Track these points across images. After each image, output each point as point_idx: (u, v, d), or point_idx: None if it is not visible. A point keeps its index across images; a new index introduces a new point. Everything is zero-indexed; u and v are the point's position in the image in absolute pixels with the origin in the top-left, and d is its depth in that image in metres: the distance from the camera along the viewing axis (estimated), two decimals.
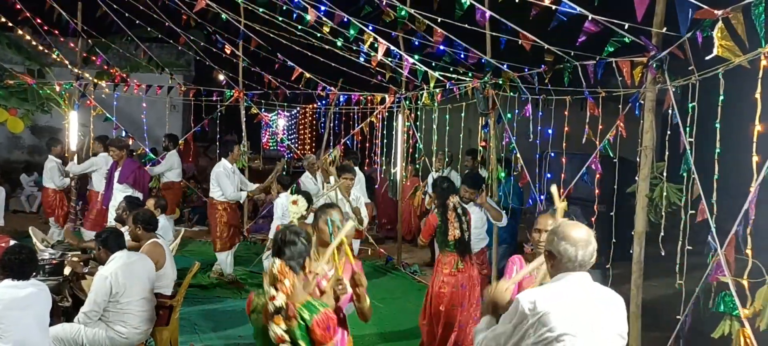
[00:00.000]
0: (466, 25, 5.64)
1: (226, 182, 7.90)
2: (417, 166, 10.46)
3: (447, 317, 5.15)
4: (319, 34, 7.87)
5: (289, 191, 7.93)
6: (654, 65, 4.32)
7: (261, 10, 7.74)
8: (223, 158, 8.10)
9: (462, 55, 6.44)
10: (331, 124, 12.04)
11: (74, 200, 9.79)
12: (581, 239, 2.55)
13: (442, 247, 5.24)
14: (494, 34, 5.91)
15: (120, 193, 7.83)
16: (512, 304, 2.55)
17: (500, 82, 6.57)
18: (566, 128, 5.90)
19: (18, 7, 9.78)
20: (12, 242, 5.68)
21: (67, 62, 10.82)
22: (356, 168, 8.87)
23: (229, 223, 8.00)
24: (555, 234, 2.58)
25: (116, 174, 8.21)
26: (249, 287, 7.72)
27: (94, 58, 11.61)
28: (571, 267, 2.53)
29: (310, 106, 14.24)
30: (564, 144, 5.99)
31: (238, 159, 8.49)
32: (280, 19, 7.90)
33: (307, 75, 9.63)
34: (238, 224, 8.54)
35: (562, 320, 2.40)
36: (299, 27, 7.92)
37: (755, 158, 3.46)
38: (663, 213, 4.61)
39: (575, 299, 2.48)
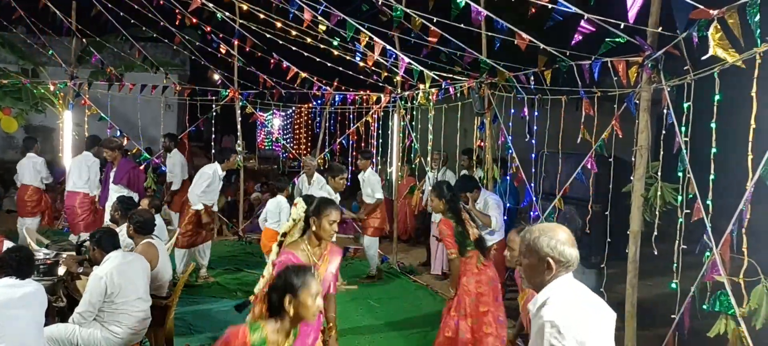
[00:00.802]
0: (462, 25, 5.64)
1: (202, 182, 7.67)
2: (413, 166, 10.46)
3: (492, 316, 4.97)
4: (314, 33, 7.86)
5: (284, 193, 7.93)
6: (649, 65, 4.33)
7: (256, 9, 7.74)
8: (217, 162, 7.97)
9: (457, 55, 6.45)
10: (327, 124, 12.04)
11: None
12: (570, 236, 2.48)
13: (463, 251, 5.02)
14: (490, 33, 5.91)
15: (115, 193, 7.78)
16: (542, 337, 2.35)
17: (496, 81, 6.58)
18: (561, 128, 5.91)
19: (12, 6, 9.75)
20: (6, 242, 5.68)
21: (61, 62, 10.79)
22: (371, 170, 8.62)
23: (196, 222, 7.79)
24: (549, 239, 2.43)
25: (111, 174, 8.16)
26: (239, 292, 7.71)
27: (88, 57, 11.59)
28: (569, 269, 2.46)
29: (306, 105, 14.23)
30: (560, 144, 6.00)
31: (232, 167, 8.44)
32: (275, 18, 7.89)
33: (303, 74, 9.62)
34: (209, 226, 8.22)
35: (586, 333, 2.35)
36: (295, 27, 7.91)
37: (751, 157, 3.47)
38: (658, 212, 4.63)
39: (582, 304, 2.43)
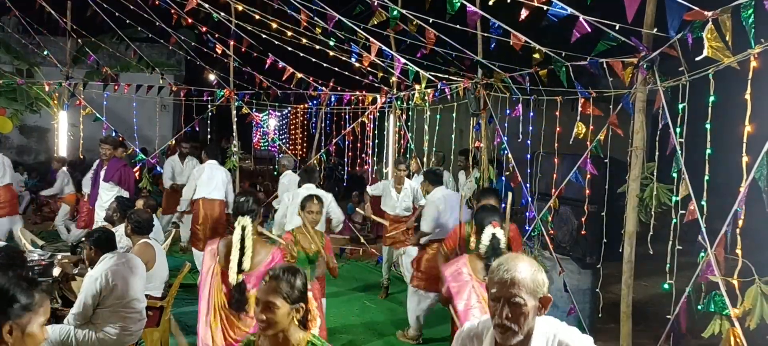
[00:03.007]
0: (458, 26, 5.64)
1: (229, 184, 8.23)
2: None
3: None
4: (310, 34, 7.86)
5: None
6: (644, 66, 4.34)
7: (252, 10, 7.72)
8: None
9: (453, 55, 6.45)
10: (323, 125, 12.03)
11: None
12: None
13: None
14: (485, 34, 5.92)
15: (105, 192, 7.74)
16: None
17: (491, 82, 6.58)
18: (558, 128, 5.92)
19: (7, 5, 9.72)
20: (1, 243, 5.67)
21: (56, 62, 10.75)
22: (407, 180, 7.92)
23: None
24: (542, 273, 2.23)
25: (102, 173, 8.11)
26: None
27: (83, 57, 11.56)
28: None
29: (302, 106, 14.22)
30: (556, 144, 6.00)
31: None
32: (272, 19, 7.88)
33: (299, 75, 9.61)
34: None
35: None
36: (290, 27, 7.91)
37: (745, 159, 3.48)
38: (653, 213, 4.63)
39: None
